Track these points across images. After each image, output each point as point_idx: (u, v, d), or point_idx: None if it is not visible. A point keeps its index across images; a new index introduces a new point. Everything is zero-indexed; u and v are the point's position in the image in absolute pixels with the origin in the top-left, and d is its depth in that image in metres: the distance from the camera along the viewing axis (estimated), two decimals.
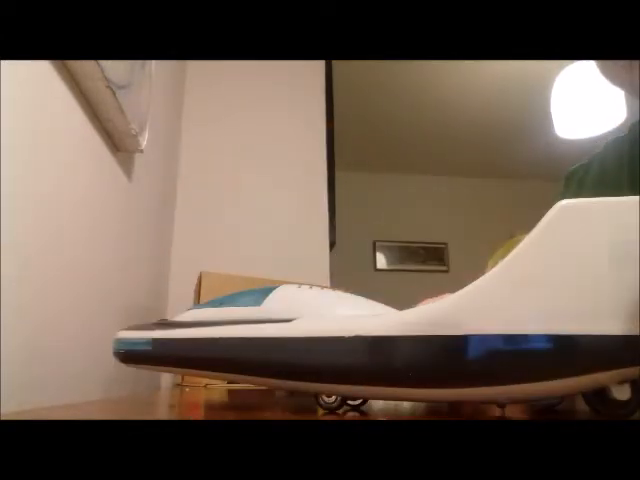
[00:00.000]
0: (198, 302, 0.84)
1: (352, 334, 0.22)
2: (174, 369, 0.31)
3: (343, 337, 0.22)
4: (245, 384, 0.32)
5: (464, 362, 0.20)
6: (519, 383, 0.20)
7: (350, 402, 0.28)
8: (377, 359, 0.21)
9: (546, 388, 0.20)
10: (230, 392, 0.57)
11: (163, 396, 0.54)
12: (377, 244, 3.14)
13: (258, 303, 0.28)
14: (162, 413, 0.31)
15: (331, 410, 0.25)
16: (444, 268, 3.13)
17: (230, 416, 0.25)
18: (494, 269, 0.20)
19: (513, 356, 0.19)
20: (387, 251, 3.14)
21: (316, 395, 0.25)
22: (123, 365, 0.32)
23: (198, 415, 0.28)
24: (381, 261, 3.12)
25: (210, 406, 0.35)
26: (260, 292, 0.29)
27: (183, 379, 0.80)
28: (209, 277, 0.86)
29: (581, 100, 1.66)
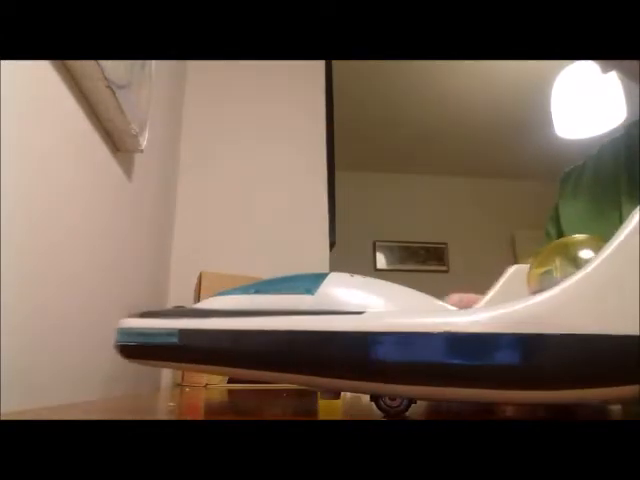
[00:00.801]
0: (198, 302, 0.84)
1: (441, 330, 0.20)
2: (202, 367, 0.25)
3: (431, 333, 0.20)
4: (280, 384, 0.28)
5: (562, 363, 0.19)
6: (611, 386, 0.19)
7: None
8: (465, 357, 0.19)
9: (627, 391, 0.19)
10: (230, 392, 0.57)
11: (163, 396, 0.54)
12: (377, 244, 3.14)
13: (310, 292, 0.24)
14: (162, 413, 0.30)
15: (394, 414, 0.22)
16: (444, 268, 3.13)
17: (231, 416, 0.25)
18: (584, 271, 0.19)
19: (611, 357, 0.18)
20: (387, 251, 3.14)
21: (376, 398, 0.23)
22: (123, 364, 0.29)
23: (198, 415, 0.28)
24: (381, 261, 3.12)
25: (210, 406, 0.35)
26: (307, 279, 0.25)
27: (183, 378, 0.80)
28: (209, 277, 0.86)
29: (581, 100, 1.66)
